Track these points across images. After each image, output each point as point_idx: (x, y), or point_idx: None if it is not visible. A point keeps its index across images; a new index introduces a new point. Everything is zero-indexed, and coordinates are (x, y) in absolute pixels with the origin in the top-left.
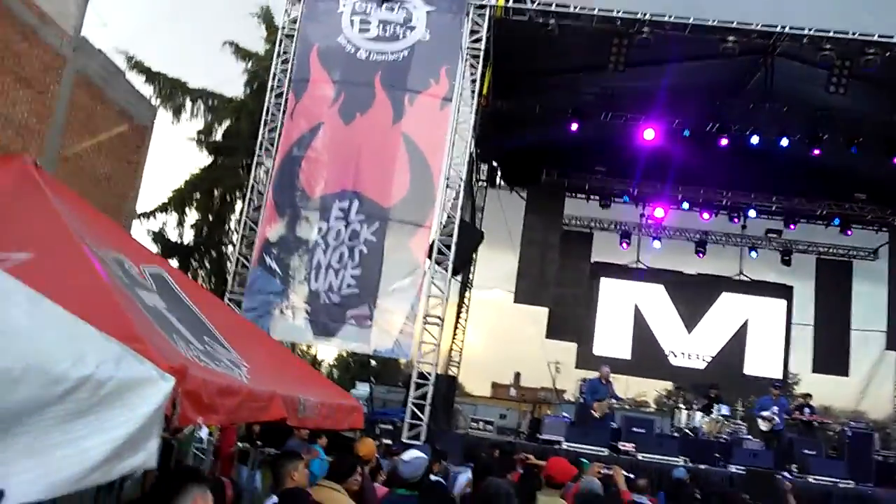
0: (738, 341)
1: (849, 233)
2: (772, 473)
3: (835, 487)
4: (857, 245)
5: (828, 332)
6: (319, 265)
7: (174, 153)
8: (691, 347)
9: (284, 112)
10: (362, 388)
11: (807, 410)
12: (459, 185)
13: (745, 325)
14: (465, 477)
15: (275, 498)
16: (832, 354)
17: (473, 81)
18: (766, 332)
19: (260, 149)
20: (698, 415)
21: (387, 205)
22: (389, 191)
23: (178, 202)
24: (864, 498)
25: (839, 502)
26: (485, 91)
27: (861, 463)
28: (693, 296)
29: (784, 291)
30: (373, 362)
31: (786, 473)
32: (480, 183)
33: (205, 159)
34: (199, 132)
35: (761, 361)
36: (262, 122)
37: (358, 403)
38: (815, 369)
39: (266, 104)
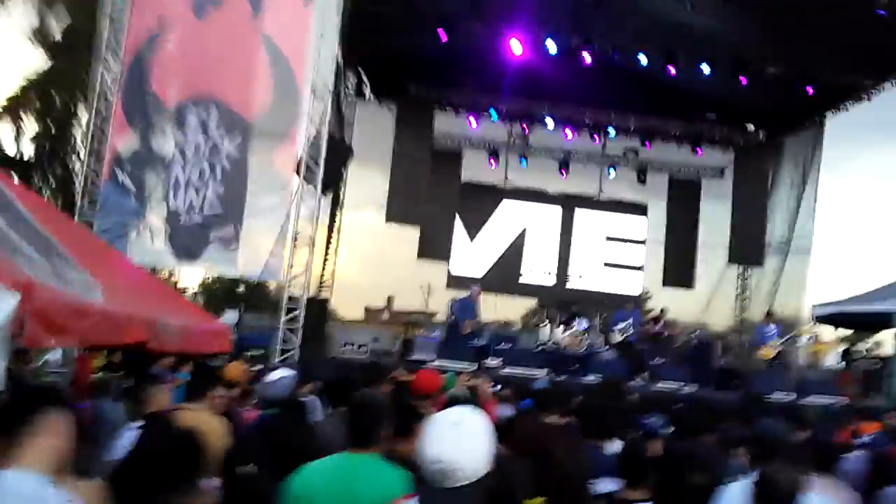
0: (593, 258)
1: (699, 152)
2: (620, 380)
3: (680, 392)
4: (706, 164)
5: (676, 249)
6: (178, 182)
7: (5, 53)
8: (546, 266)
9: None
10: (230, 314)
11: (659, 323)
12: (327, 97)
13: (602, 242)
14: None
15: (136, 423)
16: (680, 269)
17: None
18: (623, 249)
19: (105, 49)
20: (559, 329)
21: (249, 115)
22: (251, 99)
23: (13, 110)
24: (705, 400)
25: (684, 403)
26: None
27: (704, 369)
28: (555, 214)
29: (639, 209)
30: (240, 288)
31: (636, 381)
32: (348, 95)
33: (43, 61)
34: (35, 29)
35: (618, 277)
36: (107, 18)
37: (223, 326)
38: (664, 283)
39: None
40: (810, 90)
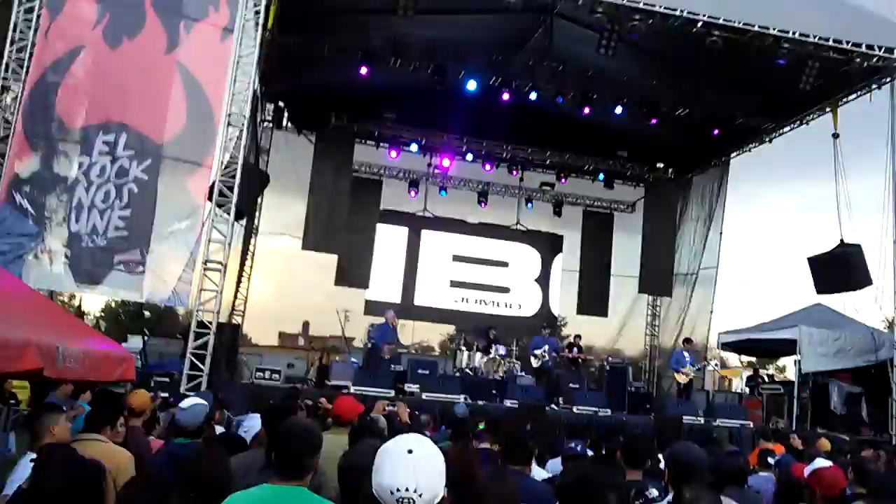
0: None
1: (612, 187)
2: (541, 405)
3: (595, 415)
4: (617, 198)
5: (591, 278)
6: (81, 205)
7: None
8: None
9: (37, 30)
10: (134, 342)
11: (575, 349)
12: (243, 125)
13: (519, 271)
14: (256, 423)
15: (32, 455)
16: (594, 297)
17: (257, 13)
18: (539, 278)
19: (6, 71)
20: (478, 355)
21: (160, 140)
22: (163, 125)
23: None
24: (619, 423)
25: (598, 427)
26: (269, 24)
27: (617, 393)
28: (475, 244)
29: (555, 240)
30: (147, 313)
31: (553, 405)
32: (266, 124)
33: None
34: None
35: (532, 304)
36: (9, 40)
37: (128, 353)
38: (579, 311)
39: (13, 19)
40: (716, 132)
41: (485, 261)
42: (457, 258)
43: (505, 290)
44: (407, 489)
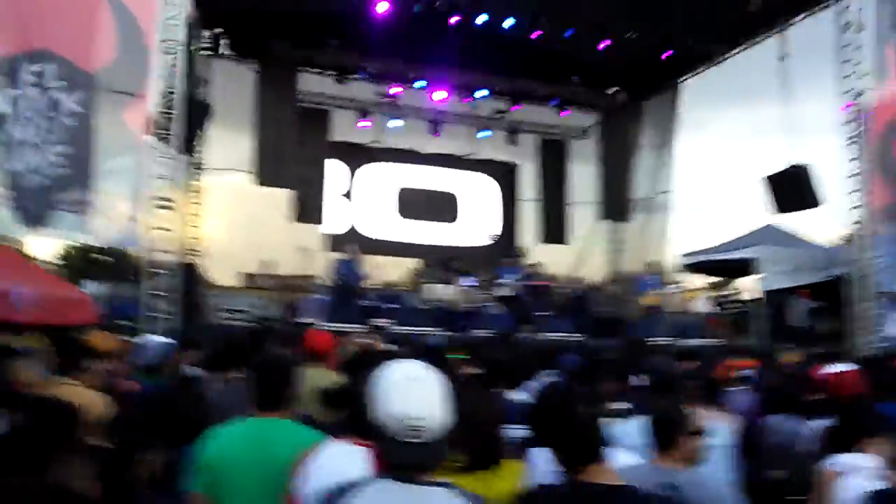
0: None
1: (565, 113)
2: (511, 333)
3: (563, 340)
4: (571, 125)
5: (549, 206)
6: (16, 142)
7: None
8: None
9: None
10: (91, 286)
11: (539, 278)
12: (179, 53)
13: (477, 201)
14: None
15: None
16: (553, 226)
17: None
18: (498, 208)
19: None
20: (443, 287)
21: (91, 70)
22: (93, 54)
23: None
24: (587, 346)
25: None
26: None
27: (584, 319)
28: (429, 174)
29: (510, 169)
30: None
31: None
32: (204, 54)
33: None
34: None
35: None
36: None
37: (86, 296)
38: (540, 240)
39: None
40: (666, 55)
41: (440, 192)
42: (411, 190)
43: (461, 220)
44: (420, 416)
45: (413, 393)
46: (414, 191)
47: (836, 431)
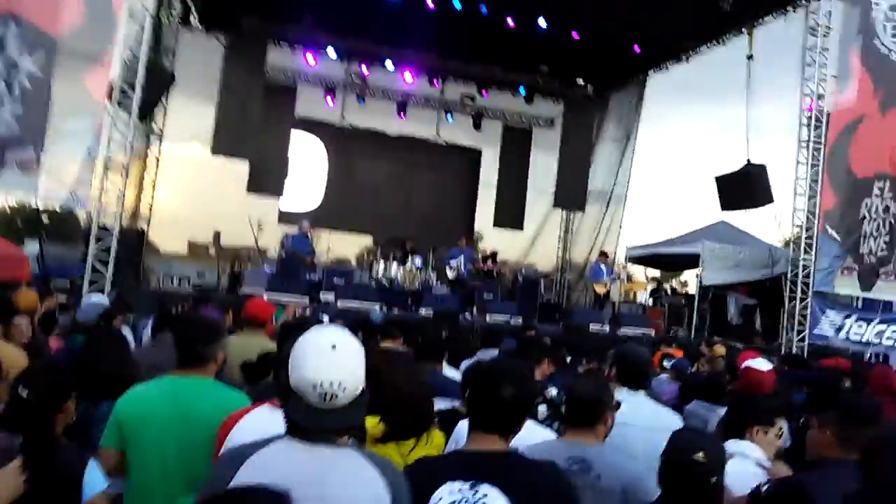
0: (432, 198)
1: (532, 102)
2: (456, 313)
3: (506, 324)
4: (537, 114)
5: (508, 192)
6: None
7: None
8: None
9: None
10: (31, 246)
11: (489, 262)
12: (146, 21)
13: (438, 184)
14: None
15: None
16: (510, 211)
17: None
18: (457, 191)
19: None
20: (394, 265)
21: (55, 33)
22: (58, 17)
23: None
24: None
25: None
26: None
27: (529, 304)
28: (392, 156)
29: (473, 154)
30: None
31: (468, 315)
32: (173, 23)
33: None
34: None
35: (452, 216)
36: None
37: (21, 253)
38: (495, 224)
39: None
40: (637, 49)
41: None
42: (374, 170)
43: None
44: (331, 384)
45: (326, 358)
46: (377, 171)
47: (729, 419)
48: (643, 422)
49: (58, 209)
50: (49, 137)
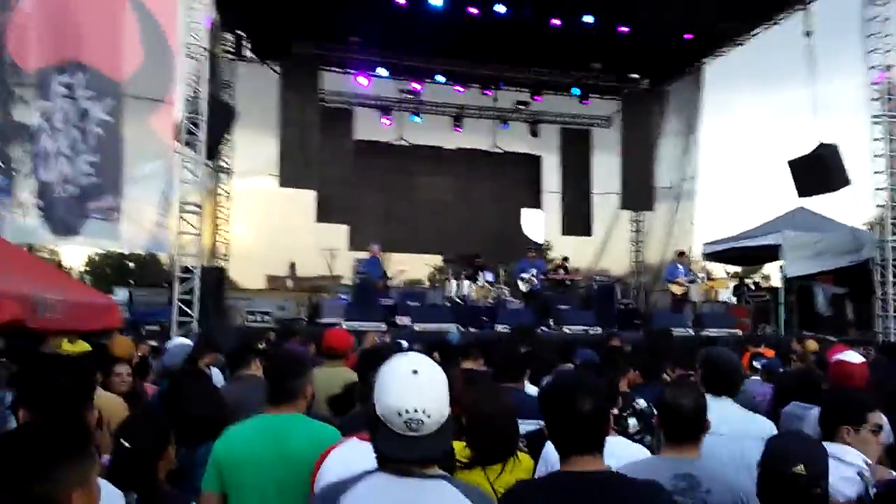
0: (497, 210)
1: (587, 102)
2: (533, 327)
3: (585, 334)
4: (594, 113)
5: (572, 197)
6: (47, 153)
7: None
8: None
9: None
10: (120, 293)
11: (561, 271)
12: (203, 58)
13: (501, 196)
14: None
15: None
16: (577, 217)
17: None
18: (523, 200)
19: None
20: (466, 283)
21: (119, 78)
22: (120, 62)
23: None
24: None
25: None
26: None
27: (606, 311)
28: (452, 170)
29: (533, 161)
30: (131, 264)
31: (544, 327)
32: (227, 55)
33: None
34: None
35: (517, 227)
36: None
37: (111, 300)
38: (563, 232)
39: None
40: (688, 37)
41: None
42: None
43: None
44: (416, 410)
45: (410, 386)
46: (438, 188)
47: (821, 419)
48: (730, 430)
49: (142, 254)
50: (125, 183)
